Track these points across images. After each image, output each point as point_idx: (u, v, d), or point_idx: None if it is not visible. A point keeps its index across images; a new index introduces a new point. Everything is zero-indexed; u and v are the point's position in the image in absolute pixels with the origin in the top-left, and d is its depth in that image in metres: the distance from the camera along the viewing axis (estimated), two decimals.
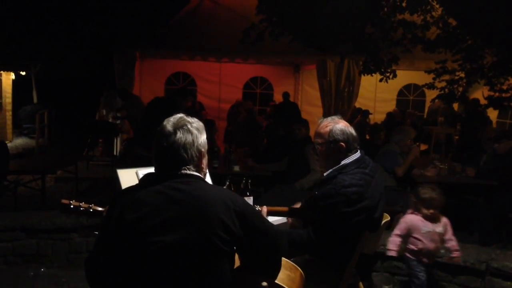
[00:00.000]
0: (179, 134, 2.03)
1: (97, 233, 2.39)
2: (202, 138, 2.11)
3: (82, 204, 2.45)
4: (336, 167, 2.86)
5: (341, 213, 2.69)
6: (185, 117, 2.11)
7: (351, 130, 2.90)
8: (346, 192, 2.70)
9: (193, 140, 2.06)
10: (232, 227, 1.94)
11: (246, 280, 2.12)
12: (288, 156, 6.39)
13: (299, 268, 2.34)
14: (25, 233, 4.78)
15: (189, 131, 2.06)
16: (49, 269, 4.69)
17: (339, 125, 2.89)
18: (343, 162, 2.85)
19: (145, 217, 1.91)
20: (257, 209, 2.90)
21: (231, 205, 1.98)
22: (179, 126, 2.06)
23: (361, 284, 2.90)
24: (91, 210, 2.44)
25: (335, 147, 2.86)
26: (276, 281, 2.19)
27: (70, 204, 2.43)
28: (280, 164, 6.58)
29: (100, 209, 2.44)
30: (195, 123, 2.11)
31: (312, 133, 6.68)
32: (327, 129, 2.89)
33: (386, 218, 3.04)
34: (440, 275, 4.33)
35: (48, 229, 4.79)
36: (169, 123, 2.07)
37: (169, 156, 2.03)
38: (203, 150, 2.10)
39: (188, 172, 2.04)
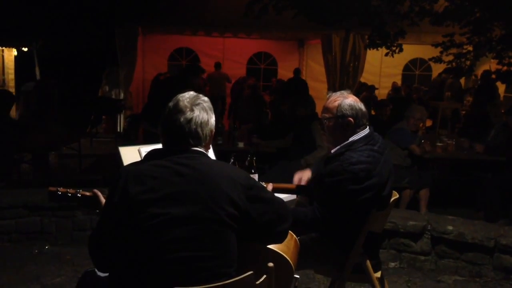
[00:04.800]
0: (196, 112, 2.01)
1: (98, 211, 2.36)
2: (213, 118, 2.10)
3: (70, 190, 2.41)
4: (344, 143, 2.78)
5: (348, 190, 2.63)
6: (199, 95, 2.09)
7: (361, 105, 2.81)
8: (354, 169, 2.62)
9: (208, 119, 2.05)
10: (239, 202, 1.93)
11: (251, 258, 2.08)
12: (293, 132, 6.31)
13: (294, 235, 2.34)
14: (29, 211, 4.76)
15: (204, 109, 2.04)
16: (53, 247, 4.68)
17: (348, 100, 2.80)
18: (351, 139, 2.77)
19: (149, 190, 1.88)
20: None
21: (236, 179, 1.96)
22: (195, 103, 2.04)
23: (368, 263, 2.85)
24: (79, 195, 2.41)
25: (343, 122, 2.77)
26: (269, 247, 2.19)
27: (58, 191, 2.39)
28: (285, 140, 6.52)
29: (87, 194, 2.41)
30: (207, 102, 2.09)
31: (318, 108, 6.62)
32: (336, 103, 2.80)
33: (395, 195, 2.97)
34: (447, 252, 4.29)
35: (51, 207, 4.75)
36: (185, 99, 2.04)
37: (184, 132, 2.00)
38: (213, 130, 2.10)
39: (195, 148, 2.02)
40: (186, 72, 6.27)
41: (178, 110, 2.01)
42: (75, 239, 4.79)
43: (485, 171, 6.18)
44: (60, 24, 15.31)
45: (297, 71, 12.51)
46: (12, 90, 14.17)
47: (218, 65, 13.17)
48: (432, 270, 4.33)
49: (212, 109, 2.10)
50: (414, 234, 4.37)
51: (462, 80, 11.96)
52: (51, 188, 2.40)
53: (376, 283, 2.87)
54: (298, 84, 11.53)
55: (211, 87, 12.75)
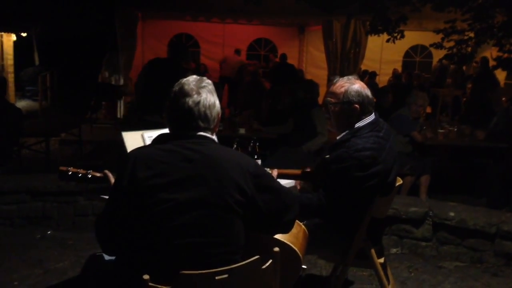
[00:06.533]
0: (203, 95, 1.99)
1: (102, 196, 2.35)
2: (218, 101, 2.07)
3: (80, 170, 2.40)
4: (349, 130, 2.78)
5: (354, 177, 2.63)
6: (203, 78, 2.07)
7: (367, 92, 2.79)
8: (359, 156, 2.62)
9: (214, 101, 2.03)
10: (246, 189, 1.92)
11: (257, 245, 2.08)
12: (294, 118, 6.30)
13: (302, 225, 2.33)
14: (30, 196, 4.76)
15: (210, 92, 2.02)
16: (55, 232, 4.68)
17: (355, 86, 2.78)
18: (356, 125, 2.76)
19: (158, 175, 1.87)
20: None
21: (244, 166, 1.95)
22: (201, 86, 2.02)
23: (371, 248, 2.85)
24: (89, 176, 2.39)
25: (349, 108, 2.76)
26: (278, 238, 2.18)
27: (68, 170, 2.38)
28: (285, 126, 6.50)
29: (98, 174, 2.39)
30: (211, 85, 2.06)
31: (321, 96, 6.61)
32: (342, 89, 2.78)
33: (399, 181, 2.98)
34: (449, 238, 4.31)
35: (53, 192, 4.76)
36: (190, 83, 2.02)
37: (193, 116, 1.98)
38: (220, 113, 2.08)
39: (203, 133, 2.00)
40: (179, 57, 5.93)
41: (185, 93, 1.99)
42: (76, 224, 4.80)
43: (486, 158, 6.18)
44: (59, 9, 15.17)
45: (283, 57, 12.48)
46: (11, 75, 14.11)
47: (238, 52, 13.46)
48: (433, 256, 4.34)
49: (215, 92, 2.08)
50: (416, 220, 4.38)
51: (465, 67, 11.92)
52: (62, 168, 2.38)
53: (379, 268, 2.88)
54: (284, 69, 11.44)
55: (225, 68, 12.97)
